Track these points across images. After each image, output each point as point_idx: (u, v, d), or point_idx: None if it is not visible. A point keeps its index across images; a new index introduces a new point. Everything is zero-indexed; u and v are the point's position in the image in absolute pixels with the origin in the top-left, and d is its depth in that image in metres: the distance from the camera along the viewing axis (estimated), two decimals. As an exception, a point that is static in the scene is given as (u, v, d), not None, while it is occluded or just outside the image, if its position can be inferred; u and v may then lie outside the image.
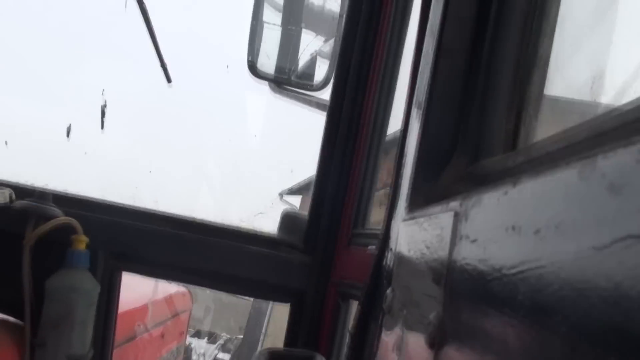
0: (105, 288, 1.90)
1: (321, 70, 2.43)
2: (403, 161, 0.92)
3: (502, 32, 0.76)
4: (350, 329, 0.98)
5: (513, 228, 0.40)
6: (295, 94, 2.52)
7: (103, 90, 2.04)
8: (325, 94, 2.40)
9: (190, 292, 3.27)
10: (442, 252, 0.57)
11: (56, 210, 1.85)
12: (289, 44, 2.40)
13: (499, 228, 0.43)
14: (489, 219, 0.46)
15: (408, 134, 0.91)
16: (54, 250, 1.83)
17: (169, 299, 2.87)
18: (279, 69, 2.36)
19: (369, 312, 0.93)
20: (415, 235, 0.71)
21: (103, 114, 2.06)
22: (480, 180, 0.64)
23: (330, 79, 2.28)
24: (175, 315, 2.96)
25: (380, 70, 1.92)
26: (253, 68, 2.32)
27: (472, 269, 0.47)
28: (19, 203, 1.82)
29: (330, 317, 1.90)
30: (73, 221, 1.85)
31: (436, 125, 0.81)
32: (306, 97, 2.41)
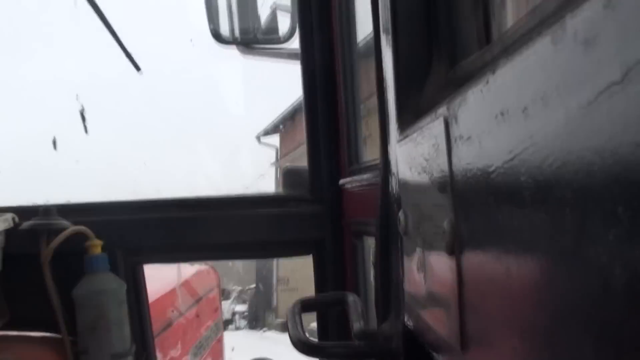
0: (130, 284, 1.92)
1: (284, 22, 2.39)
2: (384, 85, 0.91)
3: None
4: (372, 261, 0.99)
5: (502, 114, 0.40)
6: (265, 51, 2.49)
7: (77, 95, 2.01)
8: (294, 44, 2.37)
9: (214, 268, 3.31)
10: (441, 160, 0.57)
11: (64, 222, 1.85)
12: (246, 3, 2.36)
13: (488, 119, 0.43)
14: (477, 113, 0.46)
15: (383, 57, 0.90)
16: (72, 260, 1.84)
17: (195, 279, 2.91)
18: (242, 30, 2.33)
19: (386, 241, 0.94)
20: (412, 152, 0.71)
21: (83, 118, 2.04)
22: (461, 81, 0.64)
23: (295, 28, 2.25)
24: (205, 293, 3.00)
25: (340, 6, 1.89)
26: (217, 35, 2.28)
27: (473, 167, 0.48)
28: (27, 224, 1.83)
29: (350, 257, 1.92)
30: (83, 228, 1.86)
31: (408, 39, 0.80)
32: (276, 51, 2.37)
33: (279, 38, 2.38)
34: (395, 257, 0.92)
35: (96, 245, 1.87)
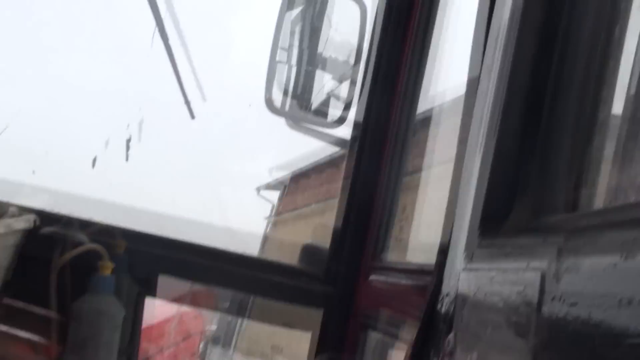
0: (129, 312, 1.93)
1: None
2: (456, 208, 0.97)
3: (563, 94, 0.82)
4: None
5: (629, 302, 0.45)
6: (311, 130, 2.58)
7: (128, 124, 2.09)
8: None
9: (201, 314, 3.30)
10: (528, 309, 0.61)
11: (82, 237, 1.88)
12: (304, 82, 2.46)
13: (607, 297, 0.48)
14: (592, 286, 0.51)
15: (461, 183, 0.95)
16: (80, 274, 1.86)
17: (183, 320, 2.90)
18: (294, 105, 2.43)
19: (421, 352, 0.97)
20: (484, 288, 0.76)
21: (128, 147, 2.11)
22: (549, 236, 0.69)
23: (345, 119, 2.34)
24: (188, 336, 2.98)
25: (397, 120, 1.97)
26: (270, 104, 2.37)
27: (572, 330, 0.52)
28: (47, 230, 1.86)
29: (350, 346, 1.93)
30: (100, 248, 1.88)
31: (496, 179, 0.86)
32: (322, 133, 2.47)
33: (328, 123, 2.47)
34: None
35: (107, 267, 1.88)
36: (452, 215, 0.97)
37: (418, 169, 2.31)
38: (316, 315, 1.99)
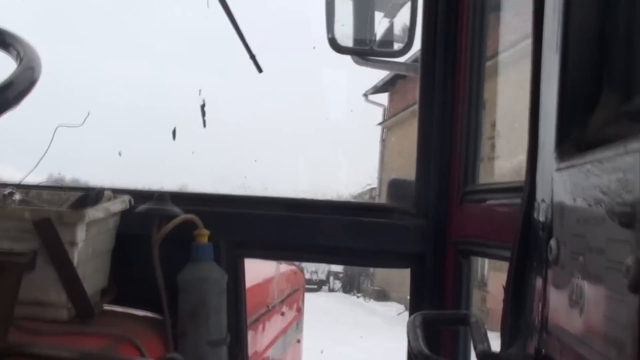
0: (231, 275, 1.98)
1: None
2: (539, 109, 0.90)
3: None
4: (504, 285, 0.98)
5: None
6: (380, 63, 2.52)
7: (200, 90, 2.10)
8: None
9: (300, 269, 3.36)
10: (630, 196, 0.56)
11: (176, 210, 1.93)
12: (364, 15, 2.40)
13: None
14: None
15: (541, 79, 0.89)
16: (179, 246, 1.92)
17: (284, 278, 2.96)
18: (358, 41, 2.37)
19: (523, 266, 0.93)
20: (580, 183, 0.70)
21: (203, 112, 2.13)
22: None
23: (411, 44, 2.26)
24: (291, 292, 3.05)
25: (469, 17, 1.87)
26: (334, 43, 2.33)
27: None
28: (142, 207, 1.92)
29: (452, 276, 1.90)
30: (194, 217, 1.93)
31: (577, 66, 0.79)
32: (392, 62, 2.39)
33: (394, 52, 2.40)
34: (530, 284, 0.91)
35: (203, 235, 1.93)
36: (536, 114, 0.91)
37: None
38: (413, 250, 1.97)
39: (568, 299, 0.73)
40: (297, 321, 3.20)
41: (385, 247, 2.00)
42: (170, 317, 1.91)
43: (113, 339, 1.68)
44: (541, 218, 0.86)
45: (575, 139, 0.78)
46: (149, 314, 1.97)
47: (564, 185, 0.76)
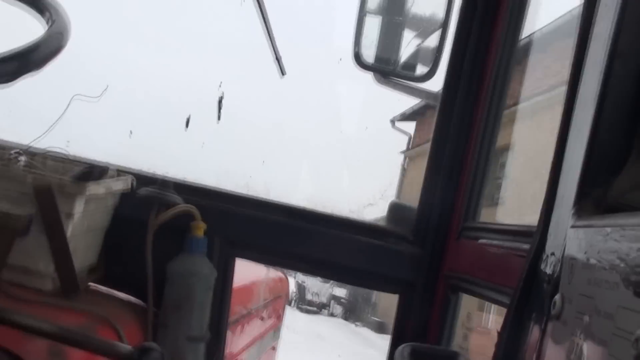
0: (220, 273, 1.97)
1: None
2: (562, 161, 0.90)
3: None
4: (499, 329, 0.98)
5: None
6: (400, 86, 2.52)
7: (220, 82, 2.09)
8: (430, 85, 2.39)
9: (286, 277, 3.35)
10: (651, 268, 0.56)
11: (177, 198, 1.92)
12: (393, 36, 2.41)
13: None
14: None
15: (570, 131, 0.89)
16: (173, 235, 1.91)
17: (268, 283, 2.95)
18: (382, 59, 2.38)
19: (521, 314, 0.92)
20: (597, 245, 0.70)
21: (220, 106, 2.12)
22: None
23: (435, 70, 2.27)
24: (274, 298, 3.04)
25: (494, 65, 1.88)
26: (358, 58, 2.35)
27: None
28: (143, 190, 1.91)
29: (439, 309, 1.90)
30: (193, 208, 1.92)
31: (608, 127, 0.79)
32: (412, 87, 2.40)
33: (416, 77, 2.41)
34: (526, 334, 0.90)
35: (199, 228, 1.92)
36: (558, 167, 0.91)
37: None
38: (404, 276, 1.96)
39: (566, 357, 0.72)
40: (275, 328, 3.18)
41: (378, 269, 2.00)
42: (153, 306, 1.90)
43: (93, 319, 1.66)
44: (548, 270, 0.86)
45: (596, 198, 0.78)
46: (133, 299, 1.95)
47: (578, 243, 0.76)
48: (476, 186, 1.90)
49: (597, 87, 0.81)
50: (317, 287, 16.85)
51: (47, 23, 1.36)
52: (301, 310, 16.67)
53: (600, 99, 0.80)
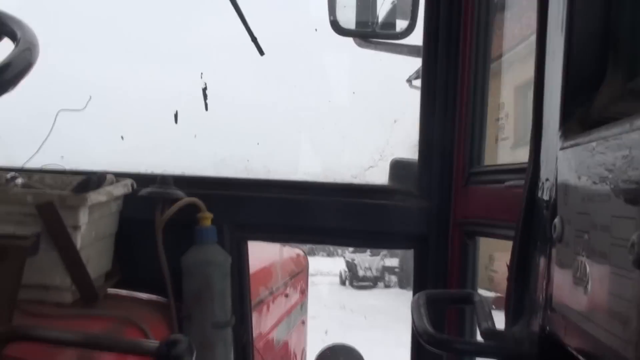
0: (234, 258, 1.98)
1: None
2: (543, 88, 0.90)
3: None
4: (507, 263, 0.99)
5: None
6: (382, 45, 2.50)
7: (202, 73, 2.09)
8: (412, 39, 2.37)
9: (304, 252, 3.37)
10: (636, 173, 0.56)
11: (179, 193, 1.93)
12: (367, -2, 2.38)
13: None
14: None
15: (546, 57, 0.88)
16: (182, 229, 1.92)
17: (287, 260, 2.97)
18: (360, 23, 2.36)
19: (526, 245, 0.93)
20: (585, 161, 0.70)
21: (205, 96, 2.12)
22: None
23: (413, 26, 2.25)
24: (295, 275, 3.06)
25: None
26: (336, 26, 2.32)
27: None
28: (145, 190, 1.92)
29: (457, 257, 1.90)
30: (197, 200, 1.93)
31: (582, 44, 0.79)
32: (395, 44, 2.38)
33: (397, 34, 2.38)
34: (534, 263, 0.91)
35: (207, 218, 1.94)
36: (540, 94, 0.90)
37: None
38: (416, 231, 1.97)
39: (572, 277, 0.73)
40: (301, 303, 3.21)
41: (388, 228, 2.00)
42: (174, 300, 1.92)
43: (117, 322, 1.68)
44: (545, 197, 0.86)
45: (580, 117, 0.78)
46: (153, 297, 1.98)
47: (568, 163, 0.76)
48: (476, 130, 1.89)
49: (564, 6, 0.80)
50: (368, 261, 16.79)
51: (14, 41, 1.35)
52: (356, 287, 16.65)
53: (569, 18, 0.79)
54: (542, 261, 0.86)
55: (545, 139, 0.88)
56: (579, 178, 0.72)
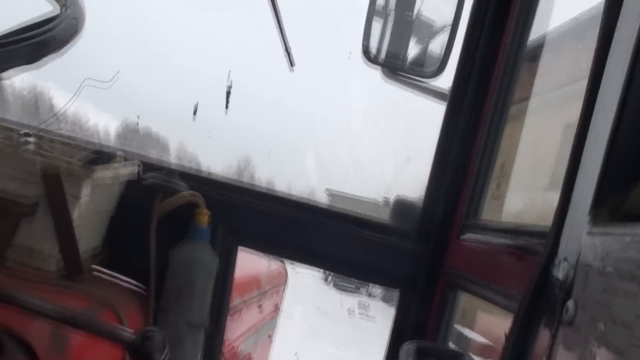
0: (223, 261, 1.97)
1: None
2: (579, 166, 0.90)
3: None
4: (506, 332, 0.98)
5: None
6: (408, 81, 2.51)
7: (229, 71, 2.09)
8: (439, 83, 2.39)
9: (285, 267, 3.36)
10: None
11: (183, 185, 1.93)
12: (402, 32, 2.40)
13: None
14: None
15: (588, 136, 0.89)
16: (177, 223, 1.91)
17: (268, 273, 2.96)
18: (390, 54, 2.37)
19: (530, 318, 0.93)
20: (614, 254, 0.70)
21: (228, 95, 2.11)
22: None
23: (444, 67, 2.27)
24: (272, 288, 3.05)
25: (502, 66, 1.89)
26: (367, 53, 2.34)
27: None
28: (149, 177, 1.91)
29: (438, 305, 1.90)
30: (198, 196, 1.92)
31: (629, 133, 0.79)
32: (421, 84, 2.39)
33: (426, 72, 2.40)
34: (535, 338, 0.91)
35: (204, 215, 1.93)
36: (574, 170, 0.91)
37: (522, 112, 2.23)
38: (405, 272, 1.97)
39: (577, 363, 0.73)
40: (273, 317, 3.19)
41: (380, 264, 2.00)
42: (155, 291, 1.91)
43: (96, 302, 1.67)
44: (560, 276, 0.86)
45: (614, 206, 0.78)
46: (134, 284, 1.96)
47: (594, 250, 0.76)
48: (479, 184, 1.90)
49: (619, 90, 0.81)
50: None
51: (62, 8, 1.35)
52: (338, 287, 16.35)
53: (622, 104, 0.80)
54: (545, 339, 0.85)
55: (571, 218, 0.89)
56: (604, 268, 0.72)
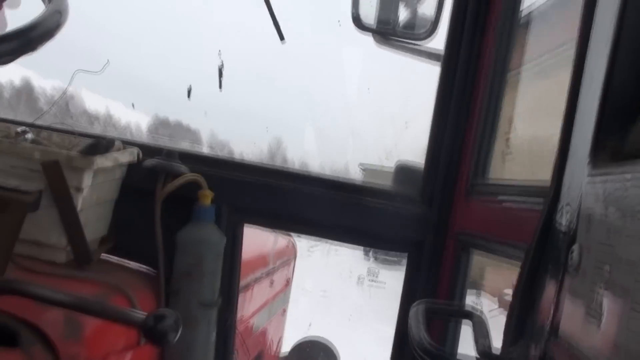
0: (229, 240, 1.98)
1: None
2: (575, 112, 0.90)
3: None
4: (513, 282, 0.99)
5: None
6: (401, 45, 2.49)
7: (219, 51, 2.07)
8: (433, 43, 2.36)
9: (294, 241, 3.37)
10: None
11: (183, 167, 1.92)
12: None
13: None
14: None
15: (583, 79, 0.88)
16: (181, 205, 1.91)
17: (276, 249, 2.97)
18: (382, 20, 2.35)
19: (536, 268, 0.93)
20: (615, 194, 0.70)
21: (220, 74, 2.10)
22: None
23: (435, 29, 2.24)
24: (282, 263, 3.06)
25: (500, 12, 1.86)
26: (357, 20, 2.31)
27: None
28: (150, 161, 1.91)
29: (449, 267, 1.91)
30: (199, 177, 1.92)
31: (623, 74, 0.78)
32: (414, 47, 2.37)
33: (417, 35, 2.38)
34: (542, 287, 0.91)
35: (207, 196, 1.93)
36: (571, 117, 0.90)
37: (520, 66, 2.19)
38: (412, 236, 1.97)
39: (585, 308, 0.73)
40: (285, 291, 3.21)
41: (386, 230, 2.00)
42: (164, 274, 1.92)
43: (106, 288, 1.68)
44: (564, 222, 0.86)
45: (613, 147, 0.78)
46: (144, 268, 1.97)
47: (595, 193, 0.76)
48: (484, 143, 1.89)
49: (611, 31, 0.80)
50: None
51: (45, 2, 1.34)
52: (380, 262, 16.14)
53: (614, 45, 0.79)
54: (551, 287, 0.86)
55: (571, 164, 0.88)
56: (607, 209, 0.72)
